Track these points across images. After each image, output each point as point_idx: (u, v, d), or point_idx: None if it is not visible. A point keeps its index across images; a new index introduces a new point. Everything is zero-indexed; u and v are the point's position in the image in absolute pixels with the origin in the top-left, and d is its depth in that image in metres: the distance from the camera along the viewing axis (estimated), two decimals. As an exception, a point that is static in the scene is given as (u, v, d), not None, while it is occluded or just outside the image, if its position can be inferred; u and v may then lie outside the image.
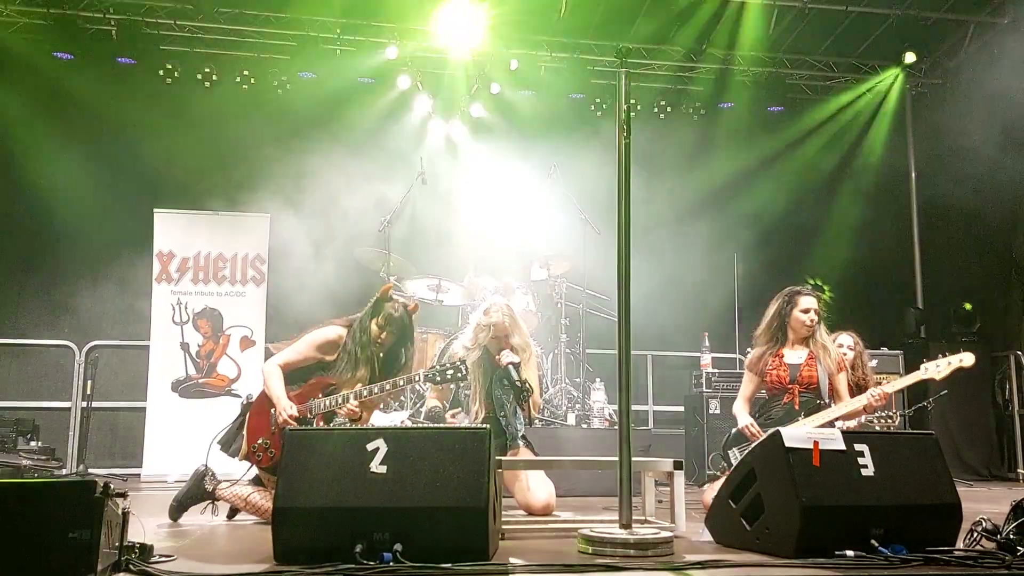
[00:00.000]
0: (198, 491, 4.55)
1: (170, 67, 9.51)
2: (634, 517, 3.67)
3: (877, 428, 5.07)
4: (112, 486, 2.61)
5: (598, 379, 7.85)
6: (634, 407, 9.98)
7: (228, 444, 4.64)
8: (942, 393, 8.14)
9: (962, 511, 3.41)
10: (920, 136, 11.09)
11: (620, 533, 3.34)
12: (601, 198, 9.04)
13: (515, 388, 5.07)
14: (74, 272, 9.22)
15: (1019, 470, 9.27)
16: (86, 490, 2.58)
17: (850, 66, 10.77)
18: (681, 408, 9.02)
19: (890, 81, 10.91)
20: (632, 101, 9.91)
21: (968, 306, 9.78)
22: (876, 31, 10.20)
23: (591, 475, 6.41)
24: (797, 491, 3.20)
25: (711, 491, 4.98)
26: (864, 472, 3.36)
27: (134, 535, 2.95)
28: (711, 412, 8.05)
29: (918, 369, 5.09)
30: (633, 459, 3.71)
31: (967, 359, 4.97)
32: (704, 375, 8.28)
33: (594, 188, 9.23)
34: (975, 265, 10.16)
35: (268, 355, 8.74)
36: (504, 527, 3.87)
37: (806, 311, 5.23)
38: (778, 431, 3.42)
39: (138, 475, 8.34)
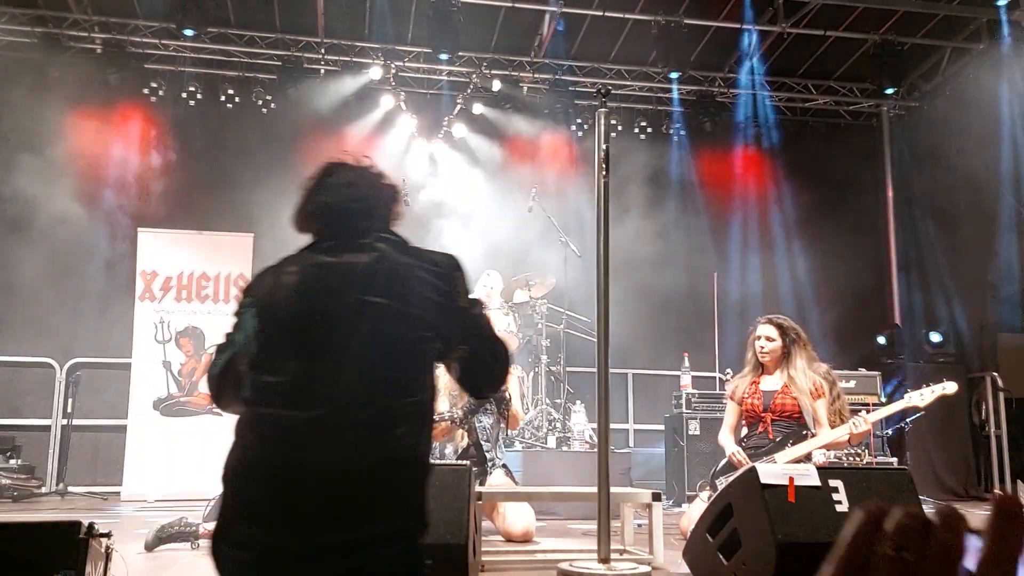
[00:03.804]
0: (183, 528, 4.57)
1: (155, 85, 9.50)
2: (613, 547, 3.72)
3: (846, 466, 5.13)
4: (96, 526, 2.64)
5: (578, 401, 7.89)
6: (615, 426, 10.10)
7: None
8: (919, 414, 8.27)
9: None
10: (897, 157, 11.23)
11: (598, 568, 3.39)
12: (581, 219, 9.14)
13: (495, 397, 5.19)
14: (56, 289, 9.17)
15: (995, 491, 9.38)
16: (70, 530, 2.60)
17: (828, 88, 10.91)
18: (661, 427, 9.08)
19: (867, 104, 11.09)
20: (612, 123, 10.14)
21: (936, 338, 9.96)
22: (853, 55, 10.35)
23: (572, 498, 6.44)
24: (773, 527, 3.26)
25: (688, 518, 5.04)
26: (838, 508, 3.42)
27: (117, 571, 2.98)
28: (691, 433, 8.11)
29: (902, 398, 5.15)
30: (612, 490, 3.76)
31: (950, 387, 5.01)
32: (684, 396, 8.35)
33: (575, 209, 9.32)
34: (952, 287, 10.29)
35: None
36: (484, 559, 3.91)
37: (758, 338, 5.32)
38: (754, 467, 3.48)
39: (118, 493, 8.33)
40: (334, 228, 2.23)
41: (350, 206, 2.23)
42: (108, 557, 2.86)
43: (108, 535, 2.76)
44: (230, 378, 2.17)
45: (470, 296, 2.25)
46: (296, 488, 1.94)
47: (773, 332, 5.30)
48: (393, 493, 2.00)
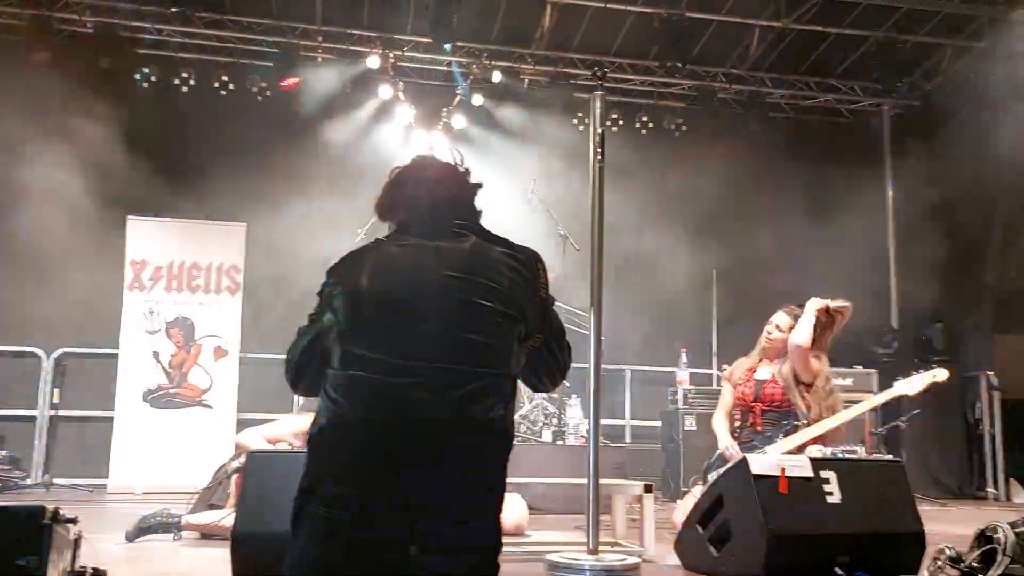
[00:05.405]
0: (165, 519, 4.49)
1: (147, 71, 9.35)
2: (604, 539, 3.65)
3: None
4: (62, 512, 2.55)
5: (574, 395, 7.80)
6: (611, 421, 10.03)
7: (205, 500, 4.72)
8: (915, 412, 8.23)
9: (925, 538, 3.40)
10: (896, 156, 11.15)
11: (587, 559, 3.30)
12: (581, 213, 9.02)
13: None
14: (43, 277, 9.03)
15: (988, 489, 9.34)
16: (34, 516, 2.52)
17: (829, 86, 10.82)
18: (658, 423, 9.01)
19: (868, 102, 11.01)
20: (614, 117, 10.08)
21: (931, 336, 9.92)
22: (855, 52, 10.26)
23: (564, 491, 6.36)
24: (764, 518, 3.18)
25: (680, 511, 4.95)
26: (830, 499, 3.34)
27: (88, 559, 2.88)
28: (687, 428, 8.06)
29: (892, 387, 5.06)
30: (603, 481, 3.68)
31: (940, 374, 4.92)
32: (680, 392, 8.27)
33: (574, 203, 9.20)
34: (949, 286, 10.21)
35: (242, 368, 8.73)
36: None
37: (770, 323, 5.23)
38: (745, 458, 3.40)
39: (105, 486, 8.22)
40: (419, 217, 2.31)
41: (437, 199, 2.33)
42: (77, 545, 2.77)
43: (75, 520, 2.66)
44: (315, 355, 2.24)
45: (548, 290, 2.31)
46: (387, 448, 2.02)
47: (785, 323, 5.20)
48: (481, 460, 2.09)
